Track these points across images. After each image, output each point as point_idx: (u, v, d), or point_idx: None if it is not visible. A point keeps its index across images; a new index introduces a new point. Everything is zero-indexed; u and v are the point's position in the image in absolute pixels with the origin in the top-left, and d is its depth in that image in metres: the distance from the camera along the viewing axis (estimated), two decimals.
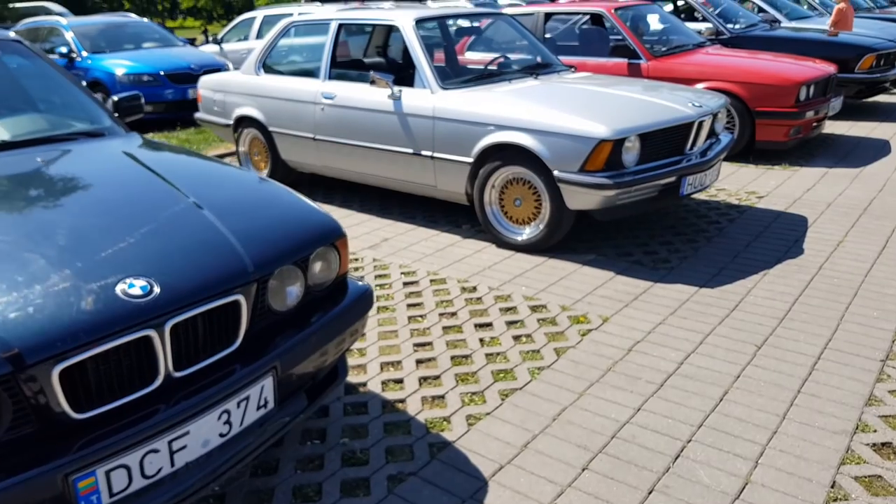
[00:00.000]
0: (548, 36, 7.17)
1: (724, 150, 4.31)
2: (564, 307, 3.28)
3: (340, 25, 4.91)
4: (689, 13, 9.21)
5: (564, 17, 7.38)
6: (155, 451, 1.60)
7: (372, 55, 5.93)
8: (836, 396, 2.51)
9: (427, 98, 4.26)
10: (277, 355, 1.83)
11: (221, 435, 1.73)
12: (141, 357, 1.62)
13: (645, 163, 3.80)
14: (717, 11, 8.90)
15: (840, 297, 3.32)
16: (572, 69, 5.06)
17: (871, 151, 6.17)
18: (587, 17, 7.12)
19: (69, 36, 8.21)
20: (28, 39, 8.79)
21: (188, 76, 7.95)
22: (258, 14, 11.05)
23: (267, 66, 5.32)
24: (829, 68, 6.24)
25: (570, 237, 4.13)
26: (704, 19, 8.22)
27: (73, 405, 1.53)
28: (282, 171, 5.33)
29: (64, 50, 8.11)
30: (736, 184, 5.33)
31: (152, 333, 1.60)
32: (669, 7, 9.40)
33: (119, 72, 7.70)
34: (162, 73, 7.81)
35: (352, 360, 2.83)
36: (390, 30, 5.45)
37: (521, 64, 5.11)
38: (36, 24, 9.12)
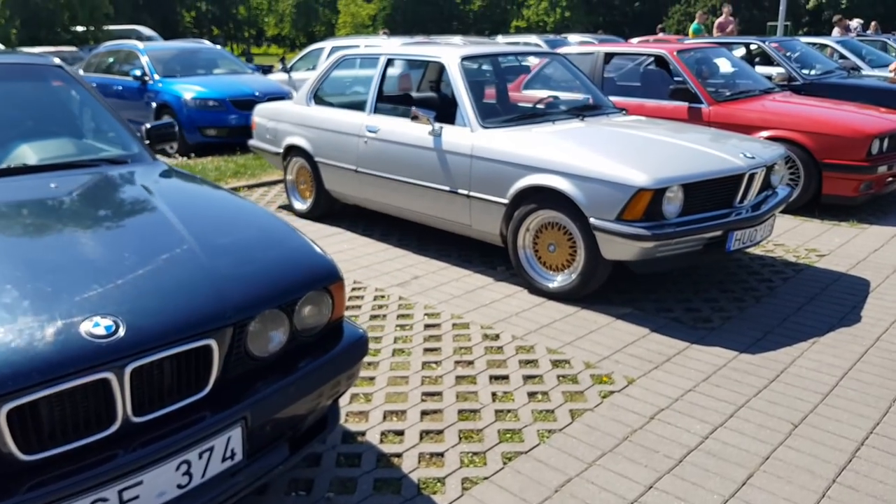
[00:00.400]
0: (609, 76, 7.02)
1: (779, 204, 4.06)
2: (589, 364, 3.09)
3: (389, 60, 4.91)
4: (765, 58, 8.91)
5: (626, 58, 7.21)
6: (104, 500, 1.53)
7: (422, 90, 5.92)
8: (876, 491, 2.24)
9: (466, 136, 4.18)
10: (249, 405, 1.74)
11: (180, 486, 1.65)
12: (99, 400, 1.56)
13: (688, 214, 3.60)
14: (792, 57, 8.59)
15: (895, 373, 3.02)
16: (623, 112, 4.90)
17: None
18: (650, 58, 6.94)
19: (144, 60, 8.56)
20: (108, 60, 9.22)
21: (253, 102, 8.10)
22: (327, 45, 11.30)
23: (318, 98, 5.36)
24: None
25: (607, 287, 3.93)
26: (778, 64, 7.91)
27: (22, 446, 1.47)
28: (325, 202, 5.34)
29: (138, 73, 8.45)
30: (796, 239, 5.02)
31: (110, 376, 1.54)
32: (742, 51, 9.12)
33: (187, 96, 7.96)
34: (227, 98, 8.02)
35: (355, 406, 2.73)
36: (438, 67, 5.41)
37: (570, 105, 4.98)
38: (116, 48, 9.56)
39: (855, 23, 15.52)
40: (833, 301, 3.85)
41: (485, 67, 5.21)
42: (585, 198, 3.61)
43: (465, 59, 4.49)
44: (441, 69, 5.29)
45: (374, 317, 3.61)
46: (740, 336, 3.41)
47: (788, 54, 8.89)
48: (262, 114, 5.83)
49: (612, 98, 6.51)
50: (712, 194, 3.67)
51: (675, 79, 6.34)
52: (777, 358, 3.17)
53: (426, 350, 3.22)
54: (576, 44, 18.85)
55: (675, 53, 6.35)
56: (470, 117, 4.23)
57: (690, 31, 15.97)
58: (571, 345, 3.29)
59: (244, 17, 79.64)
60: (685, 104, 6.14)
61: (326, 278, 2.01)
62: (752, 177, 3.78)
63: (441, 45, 5.29)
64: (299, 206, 5.58)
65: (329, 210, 5.42)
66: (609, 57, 6.96)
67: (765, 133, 5.68)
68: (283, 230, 2.22)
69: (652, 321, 3.58)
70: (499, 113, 4.49)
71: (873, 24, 18.43)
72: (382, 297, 3.89)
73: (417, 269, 4.35)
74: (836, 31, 15.05)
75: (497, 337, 3.37)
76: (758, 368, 3.06)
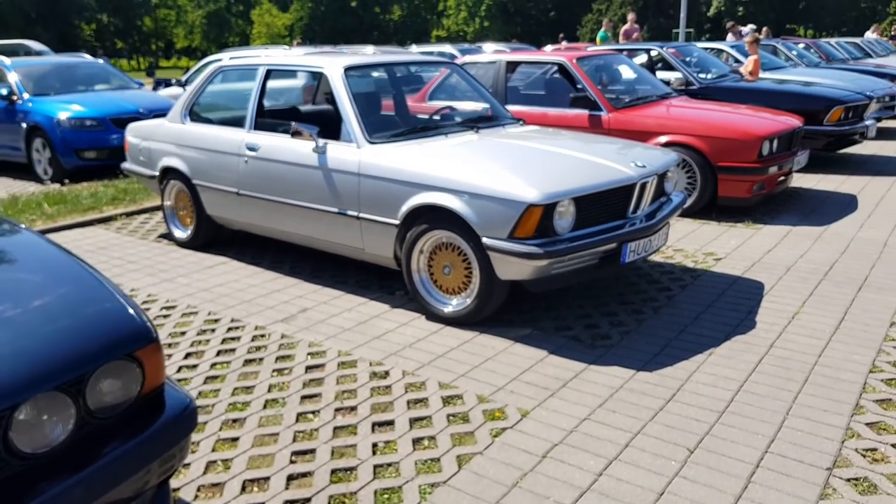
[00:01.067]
0: (513, 85, 6.92)
1: (673, 211, 4.00)
2: (482, 398, 2.90)
3: (269, 71, 4.62)
4: (667, 64, 9.04)
5: (530, 67, 7.14)
6: None
7: (305, 104, 5.64)
8: None
9: (353, 152, 3.95)
10: None
11: None
12: None
13: (581, 228, 3.48)
14: (690, 61, 8.75)
15: (789, 382, 2.97)
16: (520, 122, 4.77)
17: (837, 208, 5.89)
18: (551, 66, 6.89)
19: (12, 77, 7.88)
20: None
21: (136, 120, 7.62)
22: (225, 56, 10.83)
23: (193, 114, 5.00)
24: (794, 121, 6.01)
25: (509, 307, 3.77)
26: (676, 70, 8.04)
27: None
28: (208, 228, 4.98)
29: (4, 92, 7.78)
30: (694, 243, 5.01)
31: None
32: (643, 58, 9.25)
33: (61, 115, 7.37)
34: (107, 117, 7.48)
35: (210, 476, 2.43)
36: (321, 78, 5.14)
37: (466, 116, 4.82)
38: None
39: (747, 28, 16.17)
40: (729, 307, 3.82)
41: (376, 78, 4.99)
42: (476, 216, 3.44)
43: (349, 69, 4.25)
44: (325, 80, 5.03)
45: (248, 361, 3.31)
46: (638, 352, 3.30)
47: (687, 59, 9.08)
48: (135, 133, 5.41)
49: (516, 107, 6.44)
50: (605, 206, 3.56)
51: (576, 87, 6.30)
52: (674, 374, 3.07)
53: (304, 398, 2.95)
54: (486, 52, 18.90)
55: (574, 61, 6.31)
56: (356, 132, 3.99)
57: (597, 38, 16.25)
58: (466, 376, 3.10)
59: (150, 28, 76.73)
60: (585, 112, 6.10)
61: (131, 343, 1.68)
62: (643, 186, 3.70)
63: (331, 54, 5.03)
64: (180, 234, 5.20)
65: (213, 237, 5.06)
66: (512, 66, 6.87)
67: (663, 138, 5.70)
68: (80, 283, 1.88)
69: (551, 342, 3.44)
70: (388, 127, 4.26)
71: (765, 29, 19.30)
72: (262, 336, 3.60)
73: (307, 300, 4.07)
74: (729, 37, 15.64)
75: (386, 374, 3.14)
76: (654, 388, 2.95)
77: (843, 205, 5.99)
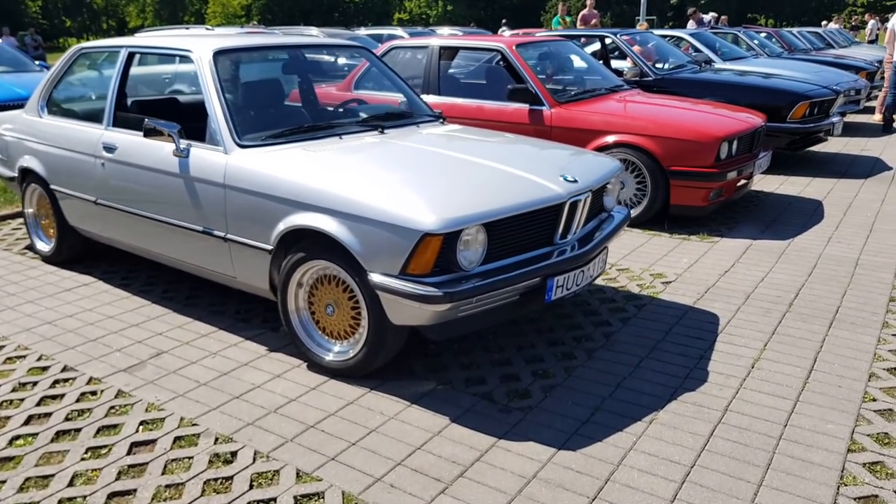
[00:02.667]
0: (446, 74, 6.19)
1: (613, 232, 3.33)
2: (349, 498, 2.20)
3: (131, 55, 3.81)
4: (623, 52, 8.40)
5: (467, 54, 6.40)
6: None
7: (177, 94, 4.83)
8: None
9: (219, 158, 3.18)
10: None
11: None
12: None
13: (495, 260, 2.78)
14: (645, 50, 8.12)
15: (748, 469, 2.32)
16: (440, 119, 4.04)
17: (801, 217, 5.30)
18: (491, 54, 6.16)
19: None
20: None
21: None
22: (141, 36, 9.88)
23: (52, 105, 4.17)
24: (756, 119, 5.39)
25: (413, 348, 3.08)
26: (630, 59, 7.39)
27: None
28: (72, 241, 4.19)
29: None
30: (642, 261, 4.37)
31: None
32: (597, 46, 8.58)
33: None
34: None
35: None
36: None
37: (373, 112, 4.07)
38: None
39: (709, 16, 15.68)
40: (677, 349, 3.17)
41: (267, 65, 4.20)
42: (361, 245, 2.71)
43: (219, 53, 3.46)
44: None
45: (60, 434, 2.54)
46: (562, 419, 2.63)
47: (639, 48, 8.44)
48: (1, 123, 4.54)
49: (450, 100, 5.72)
50: (525, 232, 2.87)
51: (516, 77, 5.59)
52: (603, 454, 2.40)
53: (113, 496, 2.20)
54: (447, 35, 18.10)
55: (513, 48, 5.59)
56: (223, 132, 3.22)
57: (552, 23, 15.57)
58: (337, 460, 2.38)
59: (100, 6, 73.80)
60: (526, 106, 5.40)
61: None
62: (574, 205, 3.01)
63: (212, 35, 4.24)
64: (42, 246, 4.38)
65: (80, 251, 4.26)
66: (447, 52, 6.13)
67: (610, 137, 5.04)
68: None
69: (456, 403, 2.75)
70: (268, 126, 3.48)
71: (723, 18, 18.88)
72: (92, 394, 2.83)
73: (168, 340, 3.31)
74: (690, 24, 15.09)
75: (232, 458, 2.40)
76: (574, 480, 2.28)
77: (808, 213, 5.41)
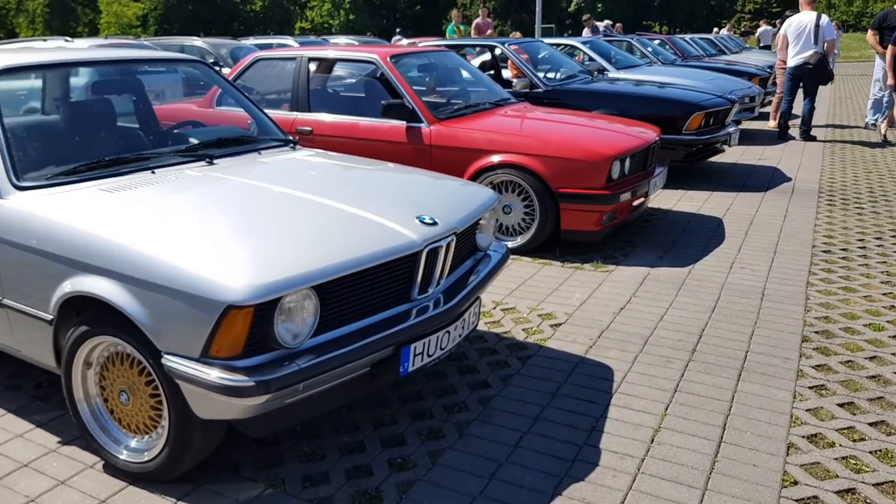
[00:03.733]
0: (318, 88, 5.57)
1: (487, 279, 2.82)
2: None
3: None
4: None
5: (342, 65, 5.80)
6: None
7: None
8: None
9: None
10: None
11: None
12: None
13: (331, 329, 2.19)
14: (536, 60, 7.77)
15: None
16: (290, 144, 3.43)
17: (702, 237, 4.98)
18: (365, 66, 5.58)
19: None
20: None
21: None
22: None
23: None
24: (649, 134, 5.04)
25: (241, 437, 2.44)
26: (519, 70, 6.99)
27: None
28: None
29: None
30: (531, 297, 3.88)
31: None
32: (487, 56, 8.17)
33: None
34: None
35: None
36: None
37: (205, 137, 3.39)
38: None
39: (603, 24, 15.68)
40: (565, 419, 2.66)
41: (71, 86, 3.46)
42: (151, 319, 2.07)
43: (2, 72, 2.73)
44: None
45: None
46: None
47: (535, 57, 8.09)
48: None
49: (322, 117, 5.11)
50: (371, 291, 2.29)
51: (393, 91, 5.04)
52: None
53: None
54: (327, 44, 17.42)
55: (387, 59, 5.03)
56: None
57: (447, 32, 15.18)
58: None
59: None
60: (403, 123, 4.84)
61: None
62: (434, 252, 2.46)
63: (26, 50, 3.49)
64: None
65: None
66: (318, 64, 5.50)
67: (495, 157, 4.55)
68: None
69: None
70: (59, 160, 2.77)
71: (618, 25, 19.06)
72: None
73: None
74: (585, 32, 15.04)
75: None
76: None
77: (708, 233, 5.09)
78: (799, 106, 9.22)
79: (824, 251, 4.63)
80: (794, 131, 9.33)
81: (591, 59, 9.59)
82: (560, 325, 3.53)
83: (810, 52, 8.52)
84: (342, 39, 19.29)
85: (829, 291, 3.93)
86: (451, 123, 4.81)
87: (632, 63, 9.95)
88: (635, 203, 4.70)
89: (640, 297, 3.88)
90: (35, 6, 62.91)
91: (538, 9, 18.39)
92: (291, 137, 3.51)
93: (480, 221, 2.90)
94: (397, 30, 22.84)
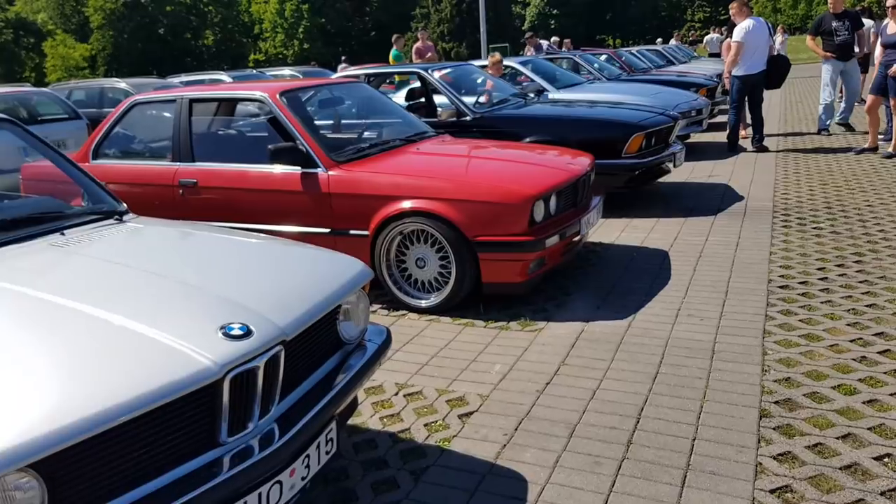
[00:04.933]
0: (202, 132, 4.91)
1: (349, 389, 2.16)
2: None
3: None
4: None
5: (226, 106, 5.13)
6: None
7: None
8: None
9: None
10: None
11: None
12: None
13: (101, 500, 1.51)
14: (465, 85, 7.21)
15: None
16: (112, 217, 2.75)
17: (646, 276, 4.39)
18: (251, 105, 4.93)
19: None
20: None
21: None
22: None
23: None
24: (580, 164, 4.46)
25: None
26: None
27: None
28: None
29: None
30: (442, 373, 3.24)
31: None
32: (416, 84, 7.57)
33: None
34: None
35: None
36: None
37: (45, 212, 2.68)
38: None
39: (546, 42, 15.26)
40: None
41: None
42: None
43: None
44: None
45: None
46: None
47: (463, 83, 7.54)
48: None
49: (206, 167, 4.44)
50: (140, 449, 1.62)
51: (285, 133, 4.39)
52: None
53: None
54: (276, 79, 16.77)
55: (276, 96, 4.39)
56: None
57: (390, 57, 14.62)
58: None
59: None
60: (297, 169, 4.20)
61: None
62: (249, 375, 1.79)
63: None
64: None
65: None
66: (201, 106, 4.84)
67: (403, 203, 3.92)
68: None
69: None
70: None
71: (566, 41, 18.72)
72: None
73: None
74: (528, 51, 14.61)
75: None
76: None
77: (653, 271, 4.50)
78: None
79: (781, 286, 4.07)
80: (746, 142, 8.90)
81: (530, 80, 9.09)
82: (471, 413, 2.88)
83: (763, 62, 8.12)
84: (286, 72, 18.66)
85: (790, 342, 3.35)
86: (352, 167, 4.18)
87: (574, 81, 9.46)
88: (567, 245, 4.09)
89: (570, 366, 3.25)
90: None
91: (482, 28, 17.99)
92: (118, 206, 2.83)
93: (343, 307, 2.26)
94: (342, 58, 22.30)
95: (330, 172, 4.13)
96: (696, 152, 8.77)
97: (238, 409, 1.79)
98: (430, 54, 13.24)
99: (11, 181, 4.58)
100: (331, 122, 4.96)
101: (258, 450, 1.80)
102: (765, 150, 8.54)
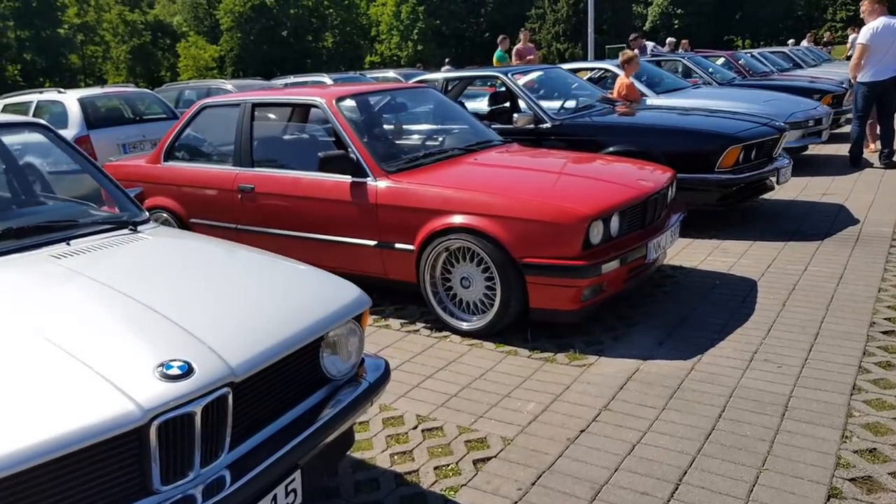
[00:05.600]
0: (263, 136, 4.86)
1: (334, 424, 1.96)
2: None
3: None
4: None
5: (283, 111, 5.06)
6: None
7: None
8: None
9: None
10: None
11: None
12: None
13: None
14: (547, 90, 6.86)
15: None
16: (128, 228, 2.67)
17: (724, 311, 3.89)
18: (309, 109, 4.83)
19: None
20: None
21: None
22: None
23: None
24: (655, 180, 4.03)
25: None
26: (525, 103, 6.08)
27: None
28: None
29: None
30: (470, 408, 2.96)
31: None
32: (501, 89, 7.29)
33: None
34: None
35: None
36: None
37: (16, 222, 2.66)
38: None
39: (651, 44, 14.48)
40: None
41: None
42: None
43: None
44: None
45: None
46: None
47: (538, 88, 7.19)
48: None
49: (264, 173, 4.40)
50: (60, 489, 1.46)
51: (337, 140, 4.26)
52: None
53: None
54: (380, 80, 16.92)
55: (333, 102, 4.26)
56: None
57: (494, 58, 14.38)
58: None
59: (78, 65, 73.32)
60: (347, 179, 4.04)
61: None
62: (185, 420, 1.60)
63: None
64: None
65: None
66: (263, 111, 4.80)
67: (449, 219, 3.66)
68: None
69: None
70: None
71: (683, 42, 17.72)
72: None
73: None
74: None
75: None
76: None
77: (735, 303, 3.99)
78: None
79: (886, 331, 3.48)
80: (874, 156, 7.96)
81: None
82: (489, 459, 2.59)
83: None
84: (389, 74, 18.76)
85: (883, 403, 2.81)
86: (402, 177, 3.97)
87: (678, 86, 8.83)
88: (631, 271, 3.69)
89: (614, 411, 2.88)
90: (119, 53, 66.60)
91: (590, 28, 17.38)
92: (138, 215, 2.75)
93: (331, 339, 2.04)
94: (446, 60, 22.26)
95: (379, 182, 3.94)
96: (814, 166, 7.95)
97: (176, 454, 1.60)
98: (530, 56, 12.88)
99: (42, 184, 4.70)
100: (391, 129, 4.77)
101: (201, 499, 1.61)
102: (894, 166, 7.60)
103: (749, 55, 14.33)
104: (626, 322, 3.81)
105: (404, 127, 4.83)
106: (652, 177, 4.06)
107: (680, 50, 17.27)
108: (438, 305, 3.84)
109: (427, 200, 3.76)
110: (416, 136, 4.81)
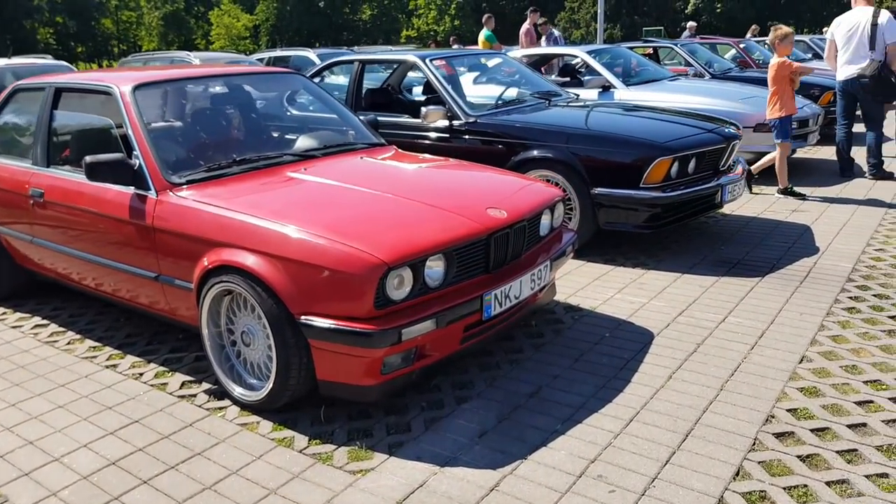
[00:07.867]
0: (61, 134, 3.99)
1: None
2: None
3: None
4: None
5: (85, 99, 4.06)
6: None
7: None
8: None
9: None
10: None
11: None
12: None
13: None
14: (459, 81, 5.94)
15: None
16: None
17: (591, 379, 2.96)
18: (104, 99, 3.92)
19: None
20: None
21: None
22: None
23: None
24: (517, 207, 3.05)
25: None
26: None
27: None
28: None
29: None
30: None
31: None
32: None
33: None
34: None
35: None
36: None
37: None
38: None
39: (557, 32, 13.55)
40: None
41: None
42: None
43: None
44: None
45: None
46: None
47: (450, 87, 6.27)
48: None
49: (54, 175, 3.58)
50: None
51: (125, 141, 3.39)
52: None
53: None
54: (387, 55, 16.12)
55: (125, 90, 3.42)
56: None
57: (480, 39, 13.34)
58: None
59: (111, 31, 73.29)
60: (130, 190, 3.19)
61: None
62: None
63: None
64: None
65: None
66: (65, 98, 3.85)
67: (227, 254, 2.79)
68: None
69: None
70: None
71: (690, 25, 16.40)
72: None
73: None
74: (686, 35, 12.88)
75: None
76: None
77: (608, 372, 3.05)
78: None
79: (779, 434, 2.53)
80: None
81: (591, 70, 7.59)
82: None
83: (865, 62, 6.13)
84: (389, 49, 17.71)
85: None
86: (192, 190, 3.10)
87: (655, 77, 7.76)
88: (465, 329, 2.79)
89: None
90: (151, 19, 66.43)
91: (600, 9, 16.17)
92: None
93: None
94: (451, 38, 21.07)
95: (159, 197, 3.08)
96: (801, 174, 6.87)
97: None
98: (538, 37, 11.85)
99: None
100: (215, 127, 3.85)
101: None
102: (883, 177, 6.51)
103: (764, 44, 13.03)
104: (460, 395, 2.91)
105: (237, 125, 3.92)
106: (515, 202, 3.09)
107: (686, 34, 15.99)
108: (222, 365, 2.99)
109: (202, 226, 2.90)
110: (248, 138, 3.88)
